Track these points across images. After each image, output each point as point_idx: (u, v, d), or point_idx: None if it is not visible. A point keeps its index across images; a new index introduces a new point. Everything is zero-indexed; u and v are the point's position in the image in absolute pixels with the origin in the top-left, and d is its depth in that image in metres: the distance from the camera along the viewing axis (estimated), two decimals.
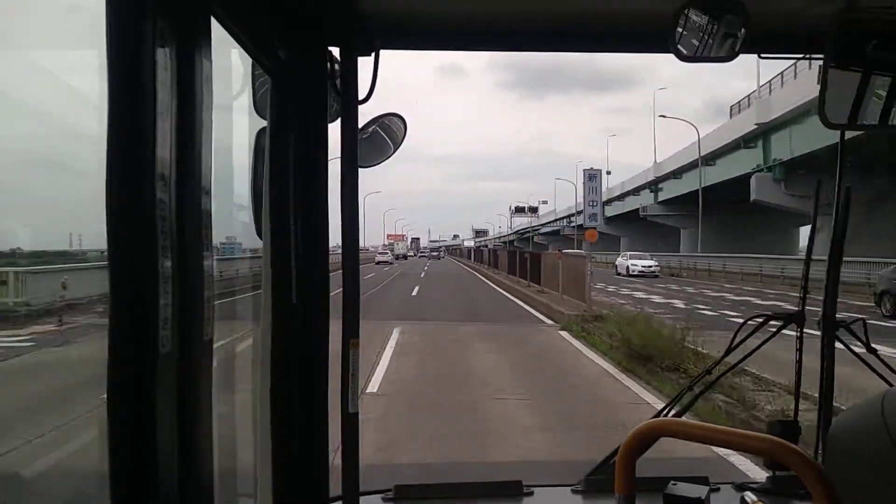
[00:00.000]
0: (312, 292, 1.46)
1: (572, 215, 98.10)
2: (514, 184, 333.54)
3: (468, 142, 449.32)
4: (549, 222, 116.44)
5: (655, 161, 66.87)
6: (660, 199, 65.95)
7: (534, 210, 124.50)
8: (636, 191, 71.89)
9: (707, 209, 51.55)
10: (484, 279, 39.74)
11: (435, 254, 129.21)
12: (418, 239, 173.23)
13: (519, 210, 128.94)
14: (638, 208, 69.89)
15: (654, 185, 66.51)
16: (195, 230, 0.88)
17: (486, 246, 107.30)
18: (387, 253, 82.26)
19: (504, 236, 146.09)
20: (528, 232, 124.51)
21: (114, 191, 0.75)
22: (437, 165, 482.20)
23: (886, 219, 31.78)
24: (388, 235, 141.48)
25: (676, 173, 59.98)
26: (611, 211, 79.90)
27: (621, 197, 77.40)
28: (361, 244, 1.61)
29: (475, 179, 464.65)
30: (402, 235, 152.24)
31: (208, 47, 0.91)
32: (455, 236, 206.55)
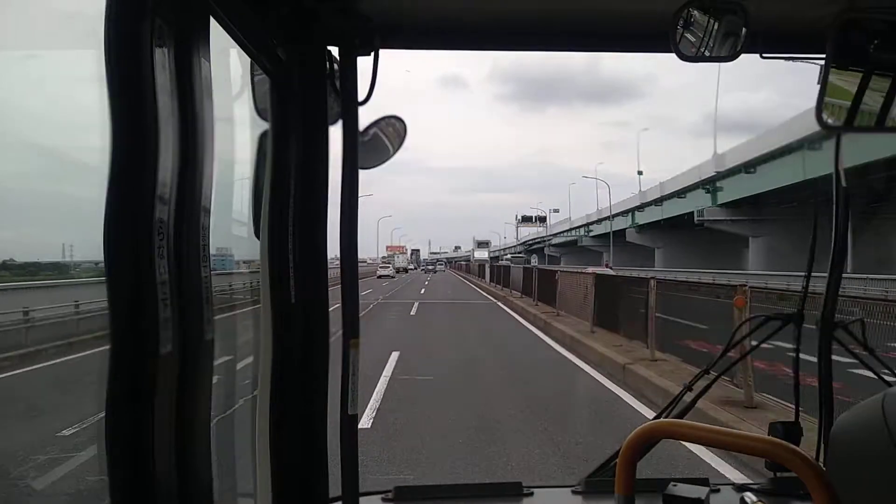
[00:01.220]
0: (312, 293, 1.46)
1: (593, 223, 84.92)
2: (515, 196, 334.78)
3: (468, 154, 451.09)
4: (563, 231, 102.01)
5: (715, 152, 49.51)
6: (720, 201, 49.89)
7: (542, 220, 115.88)
8: (681, 192, 56.65)
9: (792, 212, 37.91)
10: (560, 348, 13.99)
11: (431, 267, 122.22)
12: (418, 251, 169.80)
13: (526, 219, 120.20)
14: (684, 214, 55.18)
15: (710, 184, 50.49)
16: (195, 231, 0.88)
17: (508, 260, 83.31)
18: (388, 266, 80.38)
19: (510, 247, 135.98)
20: (539, 243, 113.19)
21: (114, 191, 0.76)
22: (437, 177, 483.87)
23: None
24: (388, 247, 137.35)
25: (749, 166, 44.05)
26: (643, 217, 67.63)
27: (659, 201, 61.94)
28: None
29: (476, 191, 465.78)
30: (402, 247, 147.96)
31: (207, 47, 0.92)
32: (457, 248, 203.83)
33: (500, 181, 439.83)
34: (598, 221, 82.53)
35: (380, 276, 67.10)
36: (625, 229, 70.85)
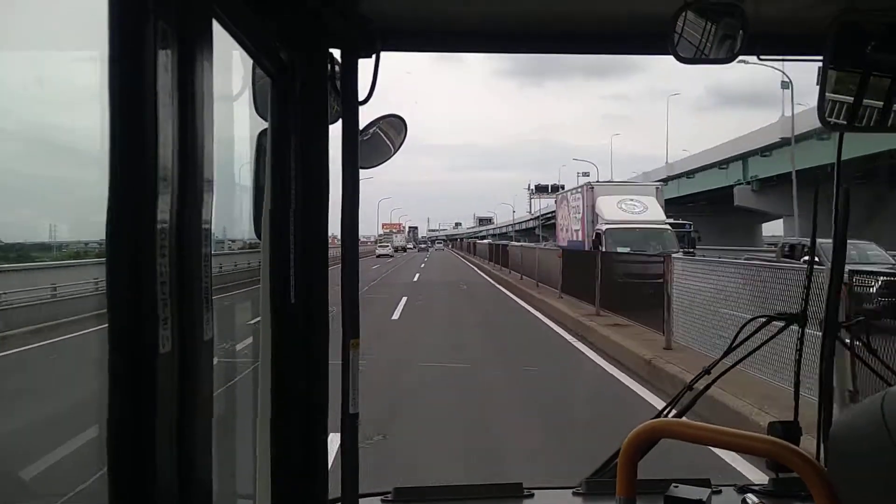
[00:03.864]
0: (312, 292, 1.46)
1: (658, 182, 45.42)
2: (516, 173, 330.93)
3: (467, 132, 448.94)
4: None
5: None
6: None
7: (561, 189, 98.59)
8: None
9: None
10: None
11: (423, 245, 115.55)
12: (416, 228, 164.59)
13: (541, 189, 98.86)
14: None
15: None
16: (196, 231, 0.88)
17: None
18: (387, 245, 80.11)
19: (522, 221, 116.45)
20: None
21: (115, 191, 0.76)
22: (435, 156, 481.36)
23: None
24: (384, 225, 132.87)
25: None
26: (765, 168, 41.84)
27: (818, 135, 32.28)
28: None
29: (475, 169, 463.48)
30: (399, 224, 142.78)
31: (209, 49, 0.91)
32: (457, 224, 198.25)
33: (500, 158, 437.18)
34: (665, 181, 43.93)
35: (379, 256, 67.63)
36: (731, 186, 45.39)
